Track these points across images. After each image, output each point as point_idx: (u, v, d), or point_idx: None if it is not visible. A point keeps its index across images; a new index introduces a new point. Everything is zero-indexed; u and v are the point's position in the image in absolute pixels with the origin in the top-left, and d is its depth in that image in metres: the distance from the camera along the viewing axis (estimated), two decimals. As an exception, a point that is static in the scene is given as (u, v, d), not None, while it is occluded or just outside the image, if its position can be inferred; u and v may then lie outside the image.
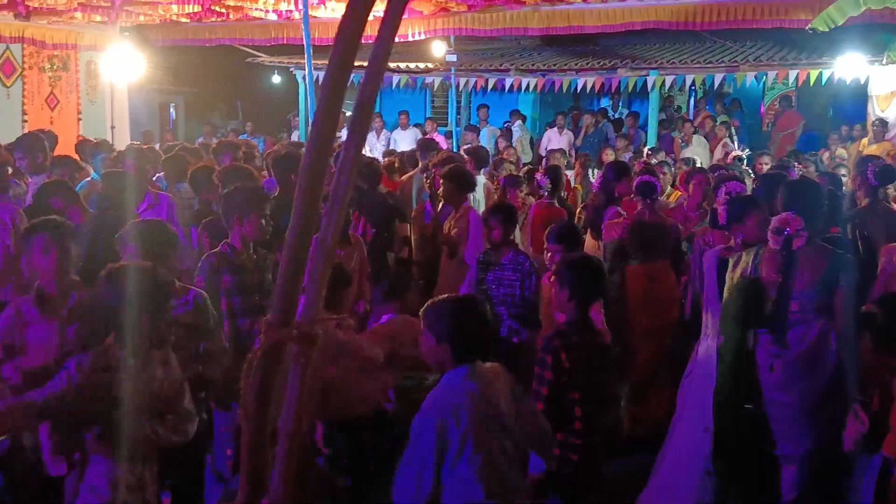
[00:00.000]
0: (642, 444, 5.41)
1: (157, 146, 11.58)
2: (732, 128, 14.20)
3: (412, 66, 15.84)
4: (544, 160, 12.08)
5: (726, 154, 11.87)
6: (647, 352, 5.84)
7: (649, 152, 10.88)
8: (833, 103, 16.41)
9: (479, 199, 7.82)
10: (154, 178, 7.73)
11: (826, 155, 12.32)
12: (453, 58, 14.20)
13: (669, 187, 8.80)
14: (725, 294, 4.64)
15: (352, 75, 1.58)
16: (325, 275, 1.57)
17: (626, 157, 11.72)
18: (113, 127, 13.32)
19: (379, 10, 1.61)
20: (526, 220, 7.40)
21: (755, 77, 14.16)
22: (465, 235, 6.38)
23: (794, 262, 4.33)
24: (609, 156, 10.90)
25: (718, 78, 14.06)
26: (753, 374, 4.47)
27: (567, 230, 5.42)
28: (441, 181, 6.64)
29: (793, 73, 13.57)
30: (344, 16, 1.53)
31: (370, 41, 1.58)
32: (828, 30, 10.74)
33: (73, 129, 13.88)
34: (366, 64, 1.55)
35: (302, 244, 1.57)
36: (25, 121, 13.44)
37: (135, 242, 4.26)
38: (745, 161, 10.75)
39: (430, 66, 15.51)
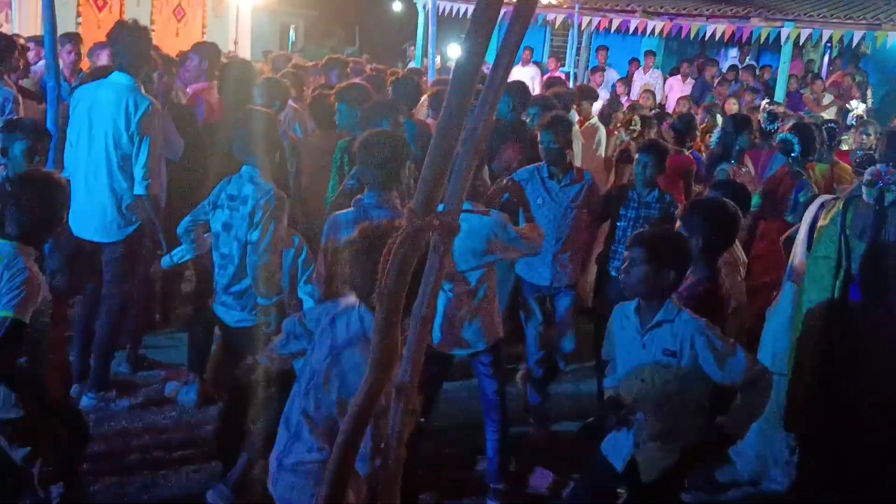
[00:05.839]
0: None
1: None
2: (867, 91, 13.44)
3: (535, 1, 15.49)
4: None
5: (842, 111, 11.06)
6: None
7: (767, 105, 10.32)
8: None
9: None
10: None
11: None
12: (579, -5, 13.84)
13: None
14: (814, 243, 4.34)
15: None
16: (472, 167, 1.55)
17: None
18: (236, 43, 13.55)
19: None
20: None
21: (898, 37, 13.30)
22: None
23: (885, 218, 4.06)
24: (732, 106, 10.47)
25: (858, 36, 13.23)
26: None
27: None
28: None
29: (942, 35, 12.70)
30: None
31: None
32: None
33: (197, 41, 14.17)
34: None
35: (449, 135, 1.54)
36: (153, 31, 13.77)
37: None
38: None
39: (554, 2, 15.15)
